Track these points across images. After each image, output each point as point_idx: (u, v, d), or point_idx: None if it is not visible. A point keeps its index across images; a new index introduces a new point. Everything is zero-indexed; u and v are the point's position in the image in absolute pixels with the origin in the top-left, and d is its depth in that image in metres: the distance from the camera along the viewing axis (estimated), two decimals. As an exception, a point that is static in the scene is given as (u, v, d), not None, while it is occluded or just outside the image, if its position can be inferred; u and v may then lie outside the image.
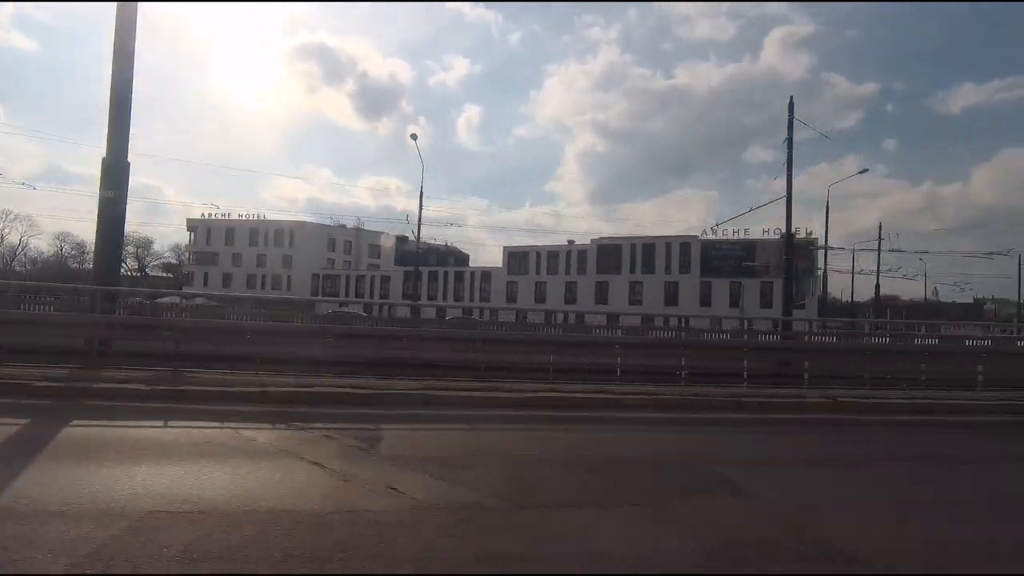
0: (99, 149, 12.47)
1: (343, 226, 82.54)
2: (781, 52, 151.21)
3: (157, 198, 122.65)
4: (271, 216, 78.54)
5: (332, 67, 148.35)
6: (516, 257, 66.47)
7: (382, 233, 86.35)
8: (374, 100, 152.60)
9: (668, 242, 58.35)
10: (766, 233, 56.22)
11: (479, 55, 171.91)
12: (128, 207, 11.41)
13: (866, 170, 38.17)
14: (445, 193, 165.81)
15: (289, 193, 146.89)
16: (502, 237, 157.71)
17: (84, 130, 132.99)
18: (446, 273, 70.31)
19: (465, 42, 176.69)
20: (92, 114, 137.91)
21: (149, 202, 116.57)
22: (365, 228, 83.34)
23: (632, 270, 59.43)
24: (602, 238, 61.43)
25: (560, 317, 32.44)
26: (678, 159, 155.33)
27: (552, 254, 64.03)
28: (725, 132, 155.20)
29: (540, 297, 63.25)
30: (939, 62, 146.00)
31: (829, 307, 57.90)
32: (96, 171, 11.08)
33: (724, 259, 55.67)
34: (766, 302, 55.34)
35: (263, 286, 77.10)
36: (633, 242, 59.52)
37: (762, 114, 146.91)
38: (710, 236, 56.88)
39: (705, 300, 55.92)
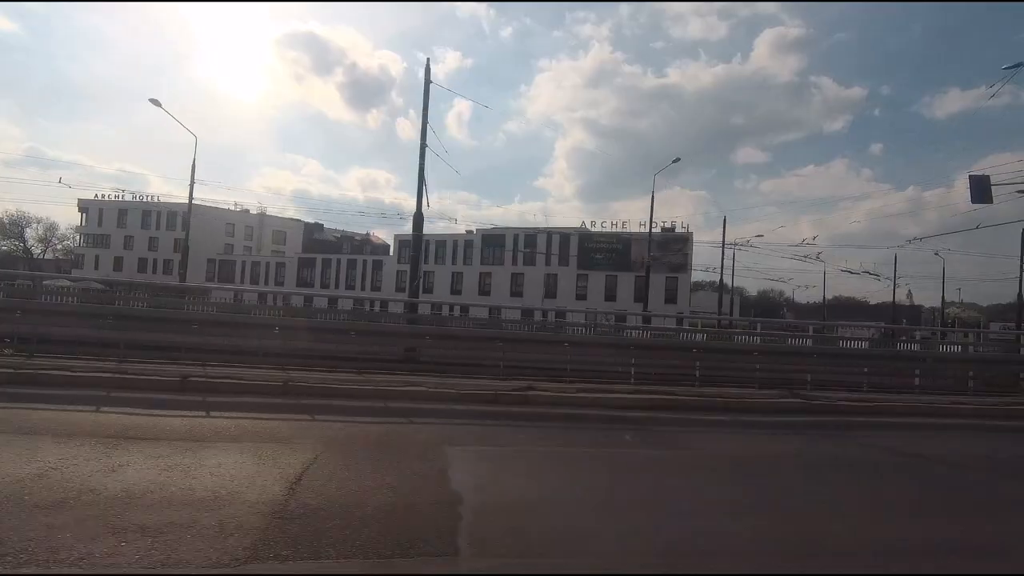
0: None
1: (247, 211, 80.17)
2: (771, 53, 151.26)
3: (141, 187, 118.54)
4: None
5: (321, 57, 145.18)
6: (406, 245, 64.95)
7: (295, 220, 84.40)
8: (364, 91, 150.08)
9: (549, 234, 57.56)
10: (642, 226, 55.80)
11: (471, 49, 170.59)
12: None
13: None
14: (435, 188, 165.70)
15: (276, 184, 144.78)
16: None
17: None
18: (339, 261, 68.63)
19: (457, 35, 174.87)
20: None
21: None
22: (269, 214, 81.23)
23: (514, 261, 58.54)
24: (490, 228, 60.34)
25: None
26: (668, 158, 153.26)
27: (440, 243, 62.79)
28: (714, 132, 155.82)
29: (427, 287, 61.99)
30: (927, 67, 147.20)
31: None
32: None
33: (600, 252, 55.08)
34: (640, 296, 55.01)
35: (155, 270, 74.45)
36: (516, 233, 58.59)
37: (751, 115, 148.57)
38: (588, 228, 56.34)
39: (581, 293, 55.31)
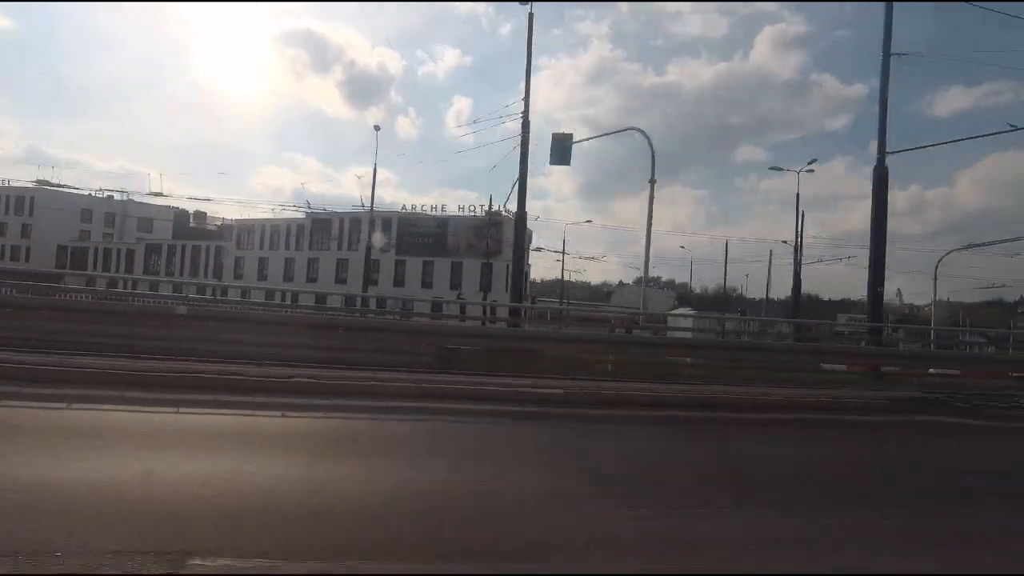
0: None
1: (110, 197, 77.22)
2: (772, 51, 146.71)
3: (140, 186, 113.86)
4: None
5: (320, 54, 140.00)
6: (244, 231, 62.77)
7: (164, 207, 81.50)
8: (363, 89, 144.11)
9: (372, 218, 55.45)
10: (462, 210, 53.97)
11: (470, 46, 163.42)
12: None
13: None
14: (435, 186, 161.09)
15: (275, 182, 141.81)
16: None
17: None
18: (183, 247, 66.21)
19: (456, 33, 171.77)
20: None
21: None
22: (136, 201, 78.28)
23: (340, 247, 56.47)
24: (321, 211, 58.18)
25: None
26: (667, 157, 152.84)
27: (274, 228, 60.60)
28: (715, 130, 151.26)
29: (263, 273, 59.82)
30: (928, 64, 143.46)
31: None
32: None
33: (418, 237, 53.11)
34: (456, 283, 53.18)
35: (1, 256, 71.54)
36: (342, 217, 56.41)
37: (752, 113, 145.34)
38: (409, 212, 54.32)
39: (399, 280, 53.37)
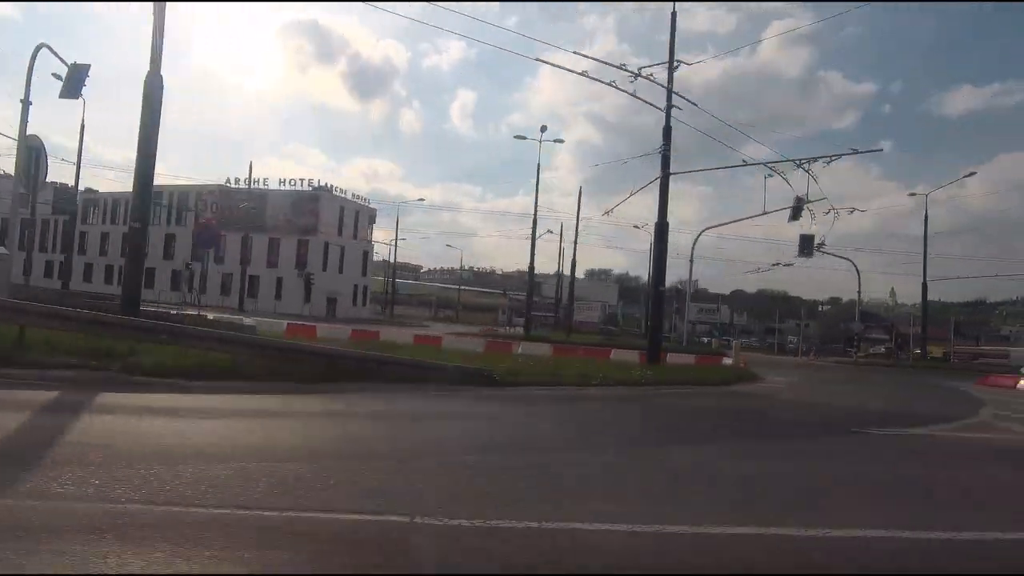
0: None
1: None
2: (780, 47, 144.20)
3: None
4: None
5: (324, 45, 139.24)
6: (90, 204, 60.42)
7: (50, 183, 78.91)
8: (367, 81, 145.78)
9: (198, 192, 53.28)
10: (283, 184, 51.85)
11: (474, 39, 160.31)
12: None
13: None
14: (438, 179, 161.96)
15: (279, 173, 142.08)
16: (495, 225, 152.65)
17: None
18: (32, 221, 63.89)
19: (461, 25, 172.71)
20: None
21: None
22: None
23: (168, 221, 54.36)
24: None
25: None
26: (673, 154, 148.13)
27: (115, 201, 58.44)
28: (721, 128, 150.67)
29: (104, 249, 57.95)
30: (938, 62, 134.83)
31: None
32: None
33: (237, 211, 50.93)
34: (272, 261, 51.34)
35: None
36: (172, 191, 54.16)
37: (759, 111, 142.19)
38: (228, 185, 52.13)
39: (219, 256, 51.30)
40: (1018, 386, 17.40)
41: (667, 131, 16.86)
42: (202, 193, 53.22)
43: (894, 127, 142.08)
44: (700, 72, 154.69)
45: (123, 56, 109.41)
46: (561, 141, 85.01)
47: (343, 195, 54.52)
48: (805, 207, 21.71)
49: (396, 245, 59.81)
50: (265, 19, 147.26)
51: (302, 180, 51.46)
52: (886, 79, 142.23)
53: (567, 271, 46.08)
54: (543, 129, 34.58)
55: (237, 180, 51.21)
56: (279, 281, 50.80)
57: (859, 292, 43.56)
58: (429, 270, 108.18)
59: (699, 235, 39.20)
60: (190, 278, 40.79)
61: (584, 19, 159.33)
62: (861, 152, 43.65)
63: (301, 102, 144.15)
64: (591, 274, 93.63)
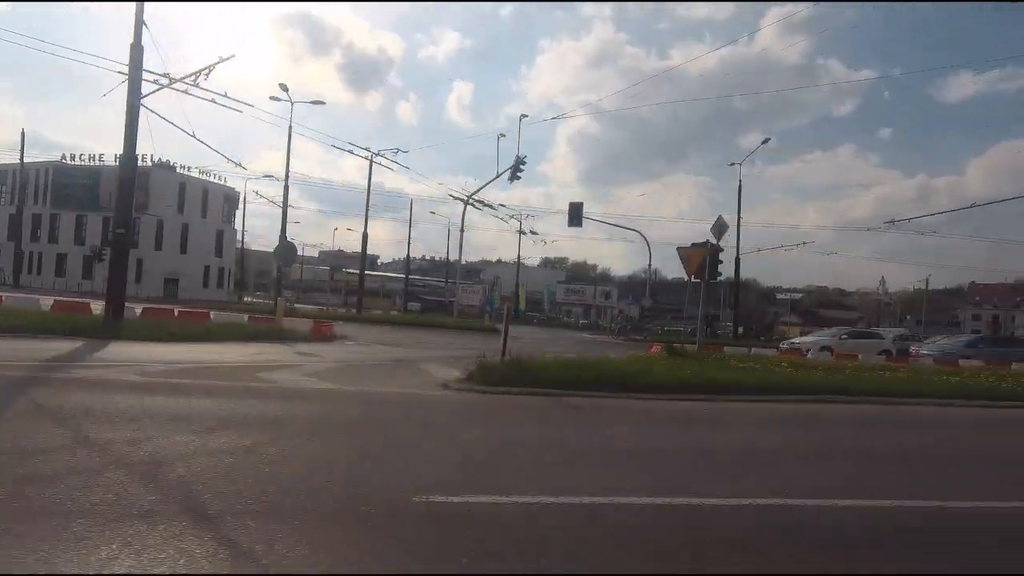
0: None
1: None
2: (778, 34, 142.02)
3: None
4: None
5: (318, 36, 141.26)
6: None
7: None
8: (362, 73, 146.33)
9: (39, 170, 52.33)
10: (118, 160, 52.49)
11: (470, 29, 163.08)
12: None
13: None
14: (436, 171, 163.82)
15: (277, 166, 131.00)
16: (493, 219, 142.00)
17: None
18: None
19: (456, 14, 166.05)
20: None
21: None
22: None
23: (12, 200, 52.19)
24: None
25: None
26: (671, 143, 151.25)
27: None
28: (719, 116, 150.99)
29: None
30: (938, 49, 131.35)
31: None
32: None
33: (73, 189, 51.05)
34: (108, 240, 52.32)
35: None
36: (11, 169, 51.99)
37: (757, 99, 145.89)
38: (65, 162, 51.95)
39: (53, 236, 51.48)
40: (652, 350, 16.23)
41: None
42: (40, 171, 52.39)
43: (894, 114, 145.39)
44: (697, 60, 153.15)
45: (114, 51, 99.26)
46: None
47: (205, 177, 52.08)
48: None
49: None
50: (258, 11, 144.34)
51: (145, 155, 52.33)
52: (886, 66, 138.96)
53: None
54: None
55: (74, 156, 51.27)
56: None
57: (649, 265, 54.29)
58: (393, 260, 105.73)
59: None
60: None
61: (581, 6, 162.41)
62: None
63: (296, 95, 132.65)
64: (547, 263, 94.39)
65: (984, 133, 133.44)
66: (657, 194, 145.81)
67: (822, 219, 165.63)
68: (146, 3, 14.01)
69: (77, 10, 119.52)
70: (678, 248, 16.04)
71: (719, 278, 18.47)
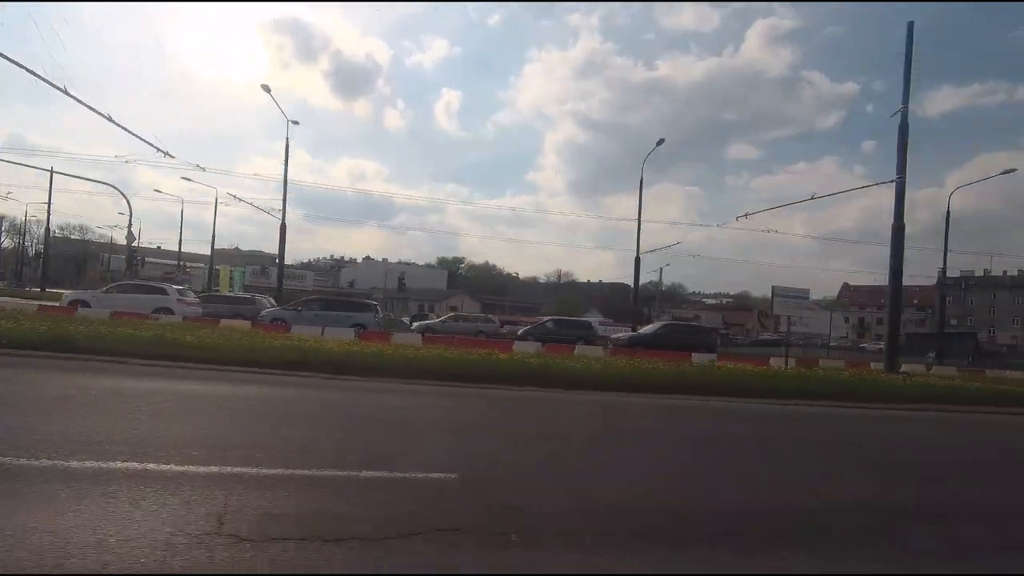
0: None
1: None
2: (763, 45, 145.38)
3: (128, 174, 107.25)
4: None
5: (305, 42, 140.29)
6: None
7: None
8: (350, 79, 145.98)
9: None
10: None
11: (458, 36, 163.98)
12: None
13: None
14: (424, 179, 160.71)
15: (265, 172, 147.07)
16: (483, 226, 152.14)
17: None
18: None
19: (445, 22, 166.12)
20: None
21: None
22: None
23: None
24: None
25: None
26: (658, 153, 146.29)
27: None
28: (706, 127, 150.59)
29: None
30: (921, 63, 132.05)
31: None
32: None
33: None
34: None
35: None
36: None
37: (743, 110, 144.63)
38: None
39: None
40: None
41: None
42: None
43: (877, 127, 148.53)
44: (684, 71, 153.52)
45: (102, 55, 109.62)
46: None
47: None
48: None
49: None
50: (246, 16, 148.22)
51: None
52: (869, 79, 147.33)
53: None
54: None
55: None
56: None
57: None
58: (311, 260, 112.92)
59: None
60: None
61: (569, 16, 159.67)
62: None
63: (284, 101, 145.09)
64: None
65: (964, 146, 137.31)
66: (648, 202, 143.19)
67: (805, 229, 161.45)
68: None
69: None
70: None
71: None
